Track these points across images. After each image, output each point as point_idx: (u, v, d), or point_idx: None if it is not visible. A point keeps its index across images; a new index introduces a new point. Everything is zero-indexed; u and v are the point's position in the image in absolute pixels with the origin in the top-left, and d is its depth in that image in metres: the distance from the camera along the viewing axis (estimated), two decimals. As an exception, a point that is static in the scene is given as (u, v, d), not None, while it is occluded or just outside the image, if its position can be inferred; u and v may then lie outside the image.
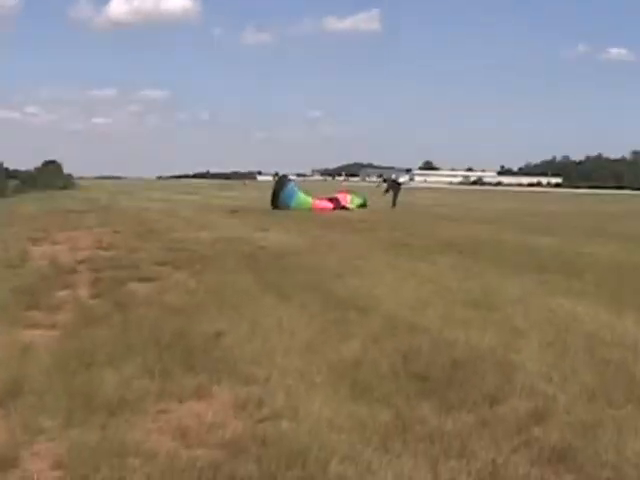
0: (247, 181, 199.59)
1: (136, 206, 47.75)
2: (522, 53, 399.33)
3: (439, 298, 12.37)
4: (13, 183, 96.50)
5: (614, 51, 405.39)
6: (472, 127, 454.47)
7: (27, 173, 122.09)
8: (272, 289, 13.14)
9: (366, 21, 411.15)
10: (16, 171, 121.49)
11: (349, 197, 45.82)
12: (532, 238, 23.81)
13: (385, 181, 48.43)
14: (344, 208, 42.39)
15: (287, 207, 40.63)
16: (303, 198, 42.87)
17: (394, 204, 45.58)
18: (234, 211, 39.20)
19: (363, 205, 44.83)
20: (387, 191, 47.50)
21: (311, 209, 41.30)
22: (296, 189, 44.05)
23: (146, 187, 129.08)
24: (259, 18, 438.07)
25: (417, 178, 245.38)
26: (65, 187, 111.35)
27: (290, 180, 45.45)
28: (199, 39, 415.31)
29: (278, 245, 20.92)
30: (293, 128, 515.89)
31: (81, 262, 17.22)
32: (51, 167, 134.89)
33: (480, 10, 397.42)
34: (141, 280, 14.45)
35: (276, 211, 39.66)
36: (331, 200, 44.16)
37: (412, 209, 44.41)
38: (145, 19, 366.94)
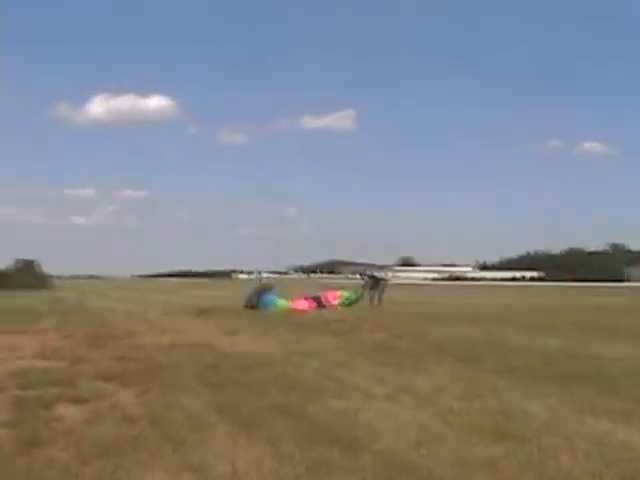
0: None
1: (103, 307, 45.12)
2: (496, 148, 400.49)
3: (446, 426, 9.67)
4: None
5: (585, 145, 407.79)
6: (448, 222, 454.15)
7: (2, 272, 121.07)
8: (230, 414, 10.46)
9: (342, 119, 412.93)
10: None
11: (339, 293, 43.33)
12: (536, 339, 20.97)
13: (370, 278, 45.65)
14: (324, 307, 39.76)
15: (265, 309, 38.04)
16: (282, 304, 40.40)
17: (379, 301, 42.87)
18: (202, 311, 36.43)
19: (356, 301, 42.32)
20: (371, 288, 44.53)
21: (289, 309, 38.65)
22: (275, 298, 41.55)
23: (122, 286, 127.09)
24: (235, 118, 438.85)
25: (397, 274, 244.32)
26: (37, 286, 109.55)
27: (270, 290, 42.77)
28: (176, 139, 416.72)
29: (245, 352, 18.19)
30: (269, 227, 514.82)
31: (12, 375, 14.59)
32: (25, 266, 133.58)
33: (450, 102, 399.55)
34: (75, 401, 11.80)
35: (250, 312, 36.90)
36: (314, 299, 41.63)
37: (393, 307, 41.63)
38: (121, 119, 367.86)
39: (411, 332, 23.71)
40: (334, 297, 42.29)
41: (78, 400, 11.85)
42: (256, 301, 39.74)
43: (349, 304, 41.48)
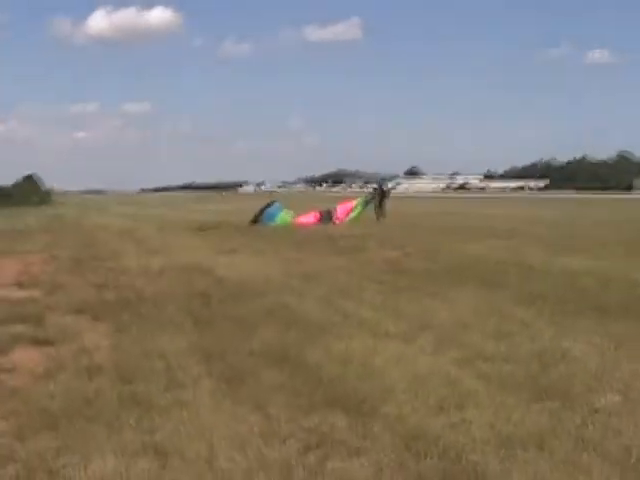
0: (224, 192, 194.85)
1: (98, 224, 43.62)
2: (503, 57, 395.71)
3: (475, 378, 7.92)
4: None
5: (596, 53, 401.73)
6: (455, 132, 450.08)
7: (4, 189, 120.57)
8: (216, 363, 8.69)
9: (347, 29, 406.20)
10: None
11: (354, 202, 41.37)
12: (561, 259, 18.99)
13: (377, 189, 43.41)
14: (329, 221, 37.93)
15: (268, 224, 36.19)
16: (283, 217, 38.47)
17: (383, 215, 40.88)
18: (201, 228, 34.57)
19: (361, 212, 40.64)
20: (379, 201, 42.36)
21: (292, 224, 36.81)
22: (280, 208, 39.89)
23: (123, 201, 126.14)
24: (239, 28, 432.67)
25: (402, 184, 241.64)
26: (41, 202, 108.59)
27: (274, 202, 40.74)
28: (180, 51, 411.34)
29: (241, 276, 16.44)
30: (276, 138, 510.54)
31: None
32: (28, 182, 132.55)
33: (461, 14, 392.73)
34: (37, 343, 10.18)
35: (252, 227, 35.05)
36: (325, 212, 39.77)
37: (403, 220, 39.53)
38: (125, 33, 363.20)
39: (424, 249, 21.80)
40: (348, 210, 40.32)
41: (41, 342, 10.26)
42: (259, 216, 37.90)
43: (357, 215, 39.62)
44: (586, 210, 57.45)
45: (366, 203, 41.24)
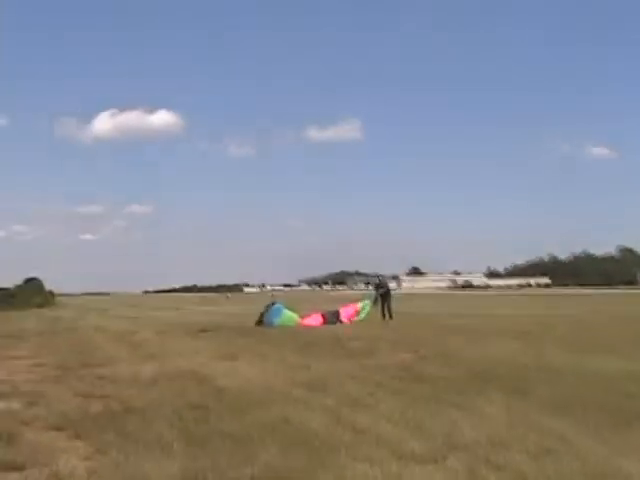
0: (229, 294, 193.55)
1: (95, 326, 42.00)
2: (503, 154, 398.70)
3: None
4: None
5: (596, 150, 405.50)
6: (455, 230, 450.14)
7: (7, 291, 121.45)
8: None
9: (348, 130, 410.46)
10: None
11: (360, 305, 39.99)
12: (590, 360, 17.43)
13: (377, 287, 42.01)
14: (334, 323, 36.43)
15: (271, 325, 34.71)
16: (289, 315, 37.12)
17: (390, 314, 39.43)
18: (203, 330, 33.14)
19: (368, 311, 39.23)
20: (377, 300, 40.93)
21: (297, 325, 35.36)
22: (281, 307, 38.39)
23: (126, 303, 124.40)
24: (242, 131, 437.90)
25: (405, 284, 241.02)
26: (43, 304, 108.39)
27: (275, 303, 39.48)
28: (181, 153, 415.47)
29: (242, 385, 14.86)
30: (278, 239, 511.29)
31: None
32: (30, 284, 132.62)
33: (456, 113, 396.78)
34: (4, 467, 8.68)
35: (255, 329, 33.59)
36: (330, 314, 38.26)
37: (412, 320, 38.13)
38: (127, 134, 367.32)
39: (440, 352, 20.26)
40: (354, 312, 38.98)
41: (9, 466, 8.75)
42: (263, 316, 36.53)
43: (365, 316, 38.18)
44: (598, 306, 55.93)
45: (373, 303, 39.91)
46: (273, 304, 38.59)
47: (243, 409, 11.95)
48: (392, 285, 45.63)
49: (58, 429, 10.79)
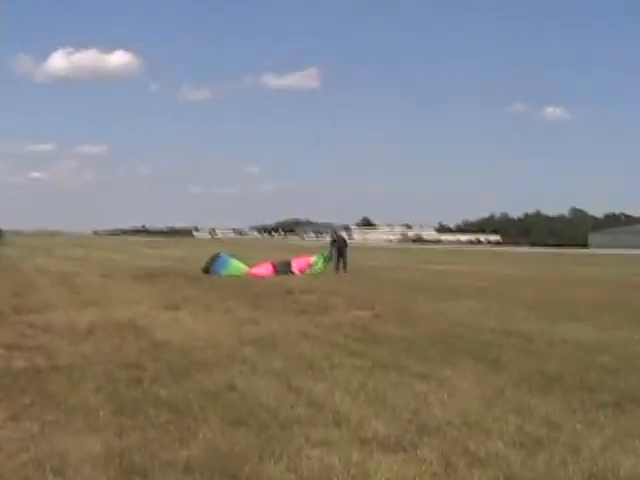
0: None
1: (38, 266, 40.77)
2: (459, 110, 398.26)
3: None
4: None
5: (550, 110, 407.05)
6: (408, 183, 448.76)
7: None
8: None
9: (304, 78, 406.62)
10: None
11: (313, 259, 38.51)
12: (558, 326, 16.30)
13: (334, 240, 40.58)
14: (285, 273, 35.10)
15: (218, 275, 33.29)
16: (236, 265, 35.68)
17: (344, 267, 38.25)
18: (149, 275, 31.79)
19: (324, 267, 37.70)
20: (331, 257, 39.49)
21: (247, 274, 33.99)
22: (228, 257, 37.17)
23: (75, 243, 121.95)
24: (197, 75, 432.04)
25: (355, 235, 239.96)
26: None
27: (220, 254, 37.87)
28: (137, 94, 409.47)
29: (183, 341, 13.56)
30: (230, 184, 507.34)
31: None
32: None
33: (417, 62, 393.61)
34: None
35: (203, 277, 32.22)
36: (281, 265, 36.87)
37: (364, 274, 36.91)
38: (84, 73, 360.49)
39: (397, 310, 19.09)
40: (306, 265, 37.58)
41: None
42: (210, 264, 35.14)
43: (319, 272, 36.74)
44: (556, 267, 54.95)
45: (327, 260, 38.53)
46: (219, 255, 37.22)
47: (183, 371, 10.65)
48: (347, 236, 44.13)
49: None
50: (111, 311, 18.02)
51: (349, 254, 39.73)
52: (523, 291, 27.12)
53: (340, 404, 8.77)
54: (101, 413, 8.19)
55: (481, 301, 22.03)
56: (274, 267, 36.07)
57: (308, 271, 36.47)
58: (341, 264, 38.50)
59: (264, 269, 35.82)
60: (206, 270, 34.50)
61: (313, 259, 38.29)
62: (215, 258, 36.18)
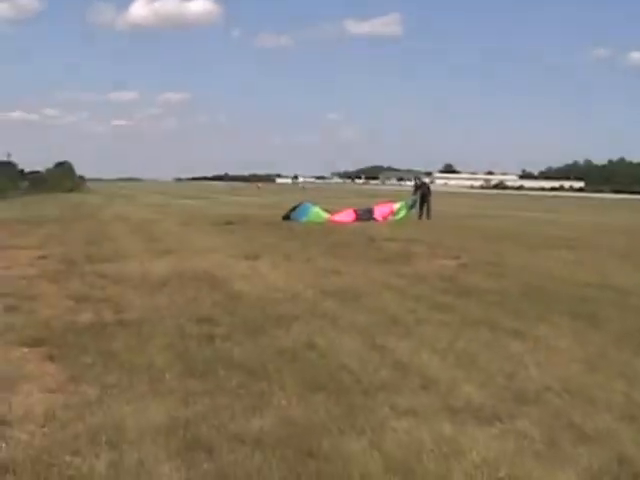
0: (260, 184, 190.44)
1: (118, 215, 40.15)
2: (541, 57, 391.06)
3: None
4: (24, 184, 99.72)
5: (635, 55, 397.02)
6: (492, 130, 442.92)
7: (39, 174, 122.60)
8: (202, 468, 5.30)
9: (387, 25, 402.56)
10: (30, 172, 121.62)
11: (396, 206, 37.60)
12: None
13: (418, 187, 39.48)
14: (368, 220, 34.21)
15: (299, 222, 32.59)
16: (317, 212, 34.91)
17: (428, 214, 37.29)
18: (229, 222, 31.24)
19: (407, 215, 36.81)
20: (415, 204, 38.43)
21: (328, 221, 33.24)
22: (309, 205, 36.47)
23: (155, 190, 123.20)
24: (278, 21, 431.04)
25: (437, 181, 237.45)
26: (73, 189, 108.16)
27: (302, 203, 37.09)
28: (218, 41, 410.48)
29: (261, 293, 12.89)
30: (312, 131, 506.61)
31: None
32: (61, 168, 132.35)
33: (500, 9, 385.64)
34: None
35: (284, 224, 31.56)
36: (364, 212, 36.04)
37: (448, 221, 35.81)
38: (165, 21, 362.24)
39: (484, 260, 18.16)
40: (389, 211, 36.66)
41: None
42: (292, 211, 34.51)
43: (402, 219, 35.78)
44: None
45: (410, 207, 37.56)
46: (301, 203, 36.57)
47: (258, 326, 9.97)
48: (429, 181, 42.69)
49: (31, 345, 8.84)
50: (187, 261, 17.47)
51: (432, 201, 38.71)
52: (615, 240, 25.87)
53: (427, 366, 8.02)
54: (167, 375, 7.56)
55: (573, 251, 20.96)
56: (356, 214, 35.29)
57: (391, 218, 35.60)
58: (425, 211, 37.57)
59: (346, 215, 35.04)
60: (287, 217, 33.90)
61: (396, 206, 37.38)
62: (297, 206, 35.55)
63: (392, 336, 9.47)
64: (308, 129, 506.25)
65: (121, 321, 10.30)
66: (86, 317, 10.59)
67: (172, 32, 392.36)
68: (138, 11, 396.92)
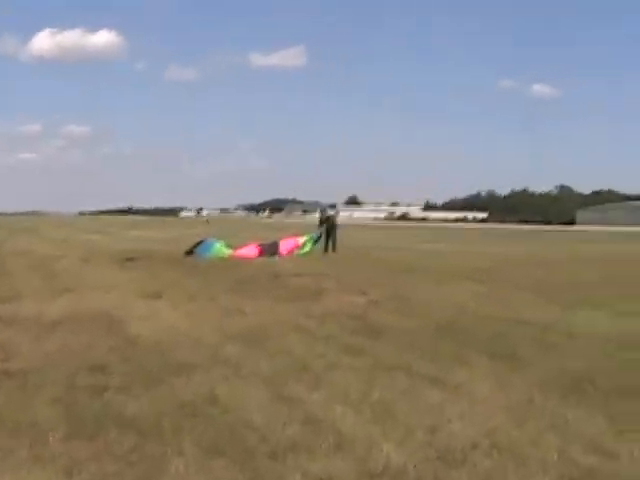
0: (207, 218, 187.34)
1: (19, 249, 39.22)
2: (446, 87, 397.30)
3: None
4: None
5: (538, 87, 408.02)
6: (396, 161, 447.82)
7: None
8: None
9: (292, 57, 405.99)
10: None
11: (301, 240, 36.81)
12: (575, 315, 14.78)
13: (323, 220, 38.86)
14: (272, 255, 33.47)
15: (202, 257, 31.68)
16: (220, 248, 34.04)
17: (333, 247, 36.73)
18: (130, 259, 30.20)
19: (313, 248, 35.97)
20: (320, 237, 37.81)
21: (232, 257, 32.33)
22: (213, 240, 35.77)
23: (57, 224, 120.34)
24: (184, 54, 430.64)
25: (342, 213, 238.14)
26: None
27: (204, 240, 36.34)
28: (123, 74, 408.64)
29: (161, 337, 12.07)
30: (217, 163, 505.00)
31: None
32: None
33: (408, 45, 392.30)
34: None
35: (188, 260, 30.60)
36: (269, 246, 35.16)
37: (354, 254, 35.25)
38: (68, 54, 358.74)
39: (393, 295, 17.60)
40: (294, 246, 35.92)
41: None
42: (195, 247, 33.64)
43: (307, 254, 35.09)
44: (550, 246, 53.19)
45: (315, 241, 36.93)
46: (204, 240, 35.85)
47: (156, 376, 9.18)
48: (334, 213, 41.95)
49: None
50: (85, 300, 16.55)
51: (339, 234, 38.18)
52: (525, 271, 25.61)
53: (341, 421, 7.33)
54: (52, 437, 6.74)
55: (482, 284, 20.54)
56: (260, 248, 34.55)
57: (296, 252, 34.92)
58: (330, 244, 37.01)
59: (250, 250, 34.26)
60: (190, 252, 33.00)
61: (302, 240, 36.73)
62: (201, 241, 34.78)
63: (301, 385, 8.77)
64: (213, 161, 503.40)
65: (6, 370, 9.41)
66: (-34, 368, 9.67)
67: (76, 65, 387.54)
68: (41, 43, 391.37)
